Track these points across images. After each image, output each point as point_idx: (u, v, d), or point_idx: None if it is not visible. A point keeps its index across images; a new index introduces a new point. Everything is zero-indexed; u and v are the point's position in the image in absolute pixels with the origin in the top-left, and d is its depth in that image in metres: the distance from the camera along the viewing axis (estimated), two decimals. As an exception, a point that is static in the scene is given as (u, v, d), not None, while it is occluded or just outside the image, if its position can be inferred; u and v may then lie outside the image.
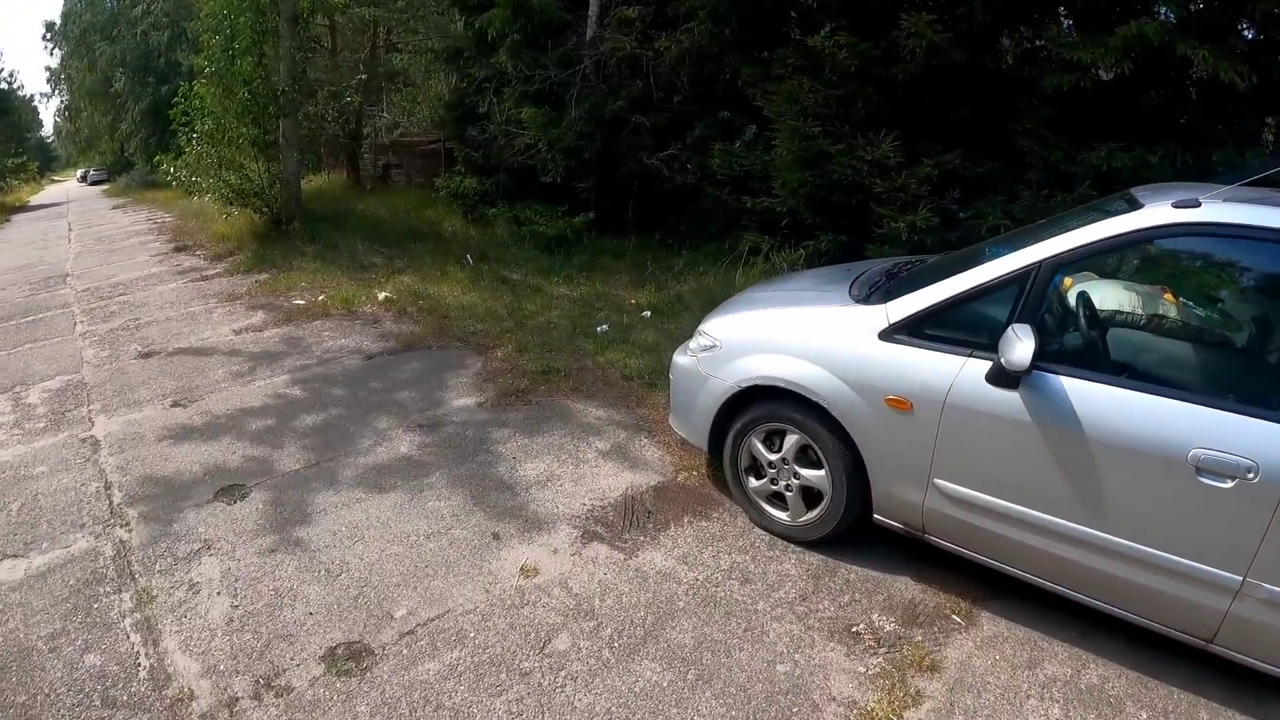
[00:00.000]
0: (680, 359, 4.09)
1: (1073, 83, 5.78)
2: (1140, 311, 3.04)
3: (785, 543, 3.70)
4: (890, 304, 3.23)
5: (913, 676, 2.97)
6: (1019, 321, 2.81)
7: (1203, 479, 2.59)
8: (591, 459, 4.55)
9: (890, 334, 3.17)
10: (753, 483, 3.78)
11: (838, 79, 6.81)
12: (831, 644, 3.12)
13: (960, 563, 3.35)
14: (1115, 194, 3.66)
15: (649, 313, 6.96)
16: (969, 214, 6.21)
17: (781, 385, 3.46)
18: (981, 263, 3.11)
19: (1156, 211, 2.74)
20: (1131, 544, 2.77)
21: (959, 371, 2.97)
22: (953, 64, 6.37)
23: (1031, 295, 2.88)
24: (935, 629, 3.19)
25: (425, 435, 4.92)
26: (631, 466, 4.44)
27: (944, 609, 3.29)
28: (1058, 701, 2.91)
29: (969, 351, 2.98)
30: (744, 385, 3.61)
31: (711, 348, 3.80)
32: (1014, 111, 6.46)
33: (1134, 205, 2.91)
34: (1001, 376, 2.84)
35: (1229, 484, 2.56)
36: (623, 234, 9.36)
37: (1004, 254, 3.09)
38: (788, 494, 3.62)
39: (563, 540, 3.79)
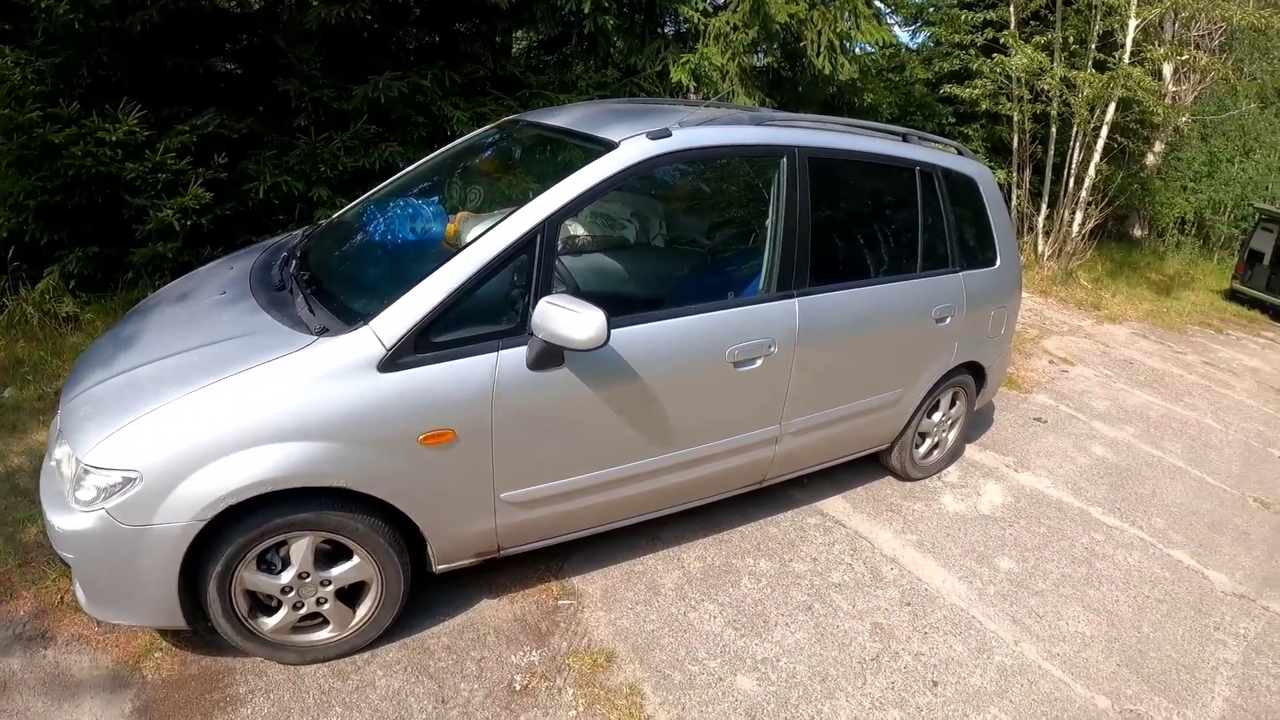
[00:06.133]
0: (72, 523, 2.42)
1: (340, 15, 5.24)
2: (630, 240, 3.05)
3: (350, 662, 2.79)
4: (376, 322, 2.46)
5: (606, 678, 2.77)
6: (544, 293, 2.51)
7: (741, 369, 2.87)
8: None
9: (393, 361, 2.44)
10: (268, 623, 2.65)
11: (53, 43, 4.85)
12: (524, 716, 2.64)
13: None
14: (501, 121, 3.53)
15: None
16: (235, 177, 5.20)
17: (270, 489, 2.39)
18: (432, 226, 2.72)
19: (637, 146, 2.74)
20: (699, 448, 2.98)
21: (494, 372, 2.53)
22: (200, 7, 5.10)
23: (545, 261, 2.58)
24: (564, 626, 2.97)
25: None
26: (77, 701, 2.62)
27: (547, 604, 3.06)
28: (701, 599, 3.12)
29: (497, 345, 2.54)
30: (214, 514, 2.37)
31: (127, 484, 2.36)
32: (276, 54, 5.54)
33: (589, 140, 2.86)
34: (546, 358, 2.54)
35: (759, 363, 2.89)
36: None
37: (429, 209, 2.84)
38: (322, 608, 2.68)
39: None
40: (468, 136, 3.79)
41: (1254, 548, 4.43)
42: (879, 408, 3.63)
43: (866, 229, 3.68)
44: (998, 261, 4.14)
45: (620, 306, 2.74)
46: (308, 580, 2.60)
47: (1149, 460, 5.36)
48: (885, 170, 3.57)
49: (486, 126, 3.79)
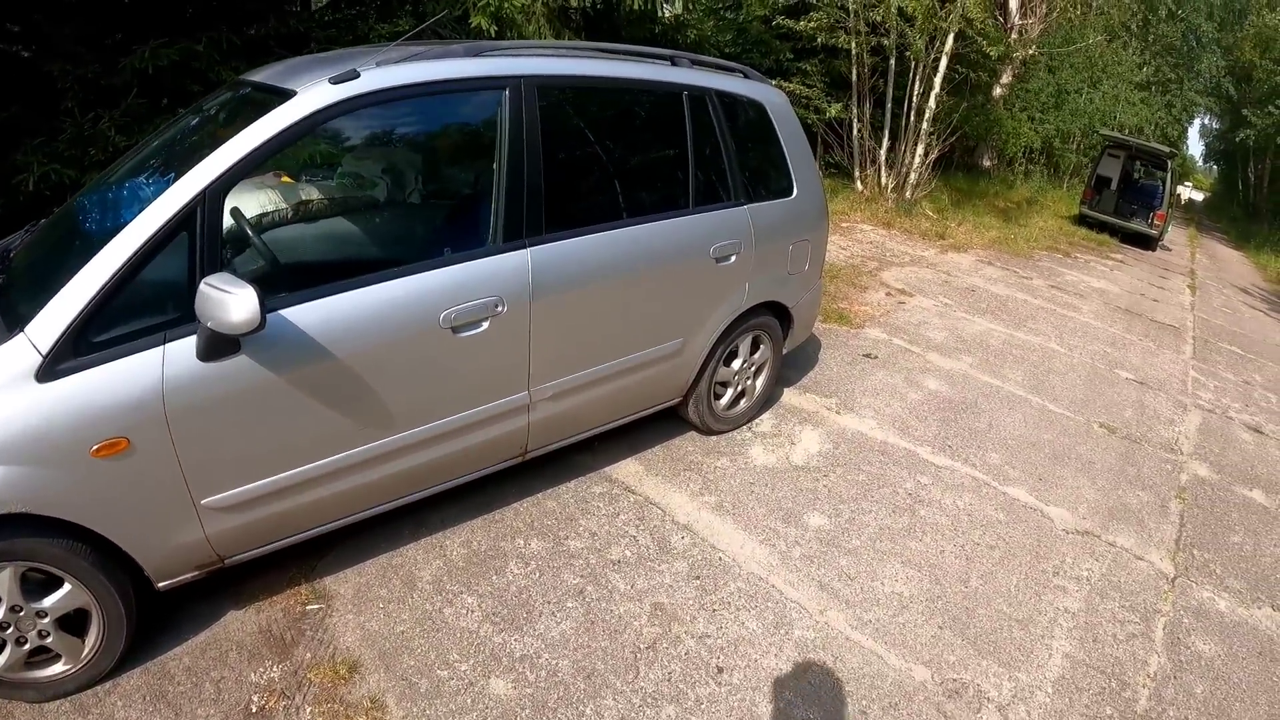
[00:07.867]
0: None
1: None
2: (322, 203, 2.73)
3: (93, 694, 2.49)
4: (31, 328, 2.16)
5: (347, 691, 2.50)
6: (209, 273, 2.20)
7: (462, 335, 2.63)
8: None
9: (52, 368, 2.14)
10: None
11: None
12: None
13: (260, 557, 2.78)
14: (225, 86, 3.14)
15: None
16: (3, 171, 4.79)
17: None
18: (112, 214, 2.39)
19: (316, 93, 2.43)
20: (429, 426, 2.72)
21: (161, 368, 2.22)
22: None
23: (208, 236, 2.27)
24: (310, 634, 2.69)
25: None
26: None
27: (294, 610, 2.77)
28: (460, 591, 2.87)
29: (162, 338, 2.23)
30: None
31: None
32: (36, 35, 5.13)
33: (272, 93, 2.53)
34: (216, 346, 2.24)
35: (486, 325, 2.65)
36: None
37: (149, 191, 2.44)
38: (47, 640, 2.41)
39: None
40: (197, 104, 3.41)
41: (1098, 477, 4.33)
42: (657, 360, 3.40)
43: (620, 163, 3.38)
44: (794, 191, 3.93)
45: (324, 275, 2.47)
46: (22, 614, 2.34)
47: (986, 391, 5.28)
48: (642, 97, 3.31)
49: (219, 91, 3.43)
